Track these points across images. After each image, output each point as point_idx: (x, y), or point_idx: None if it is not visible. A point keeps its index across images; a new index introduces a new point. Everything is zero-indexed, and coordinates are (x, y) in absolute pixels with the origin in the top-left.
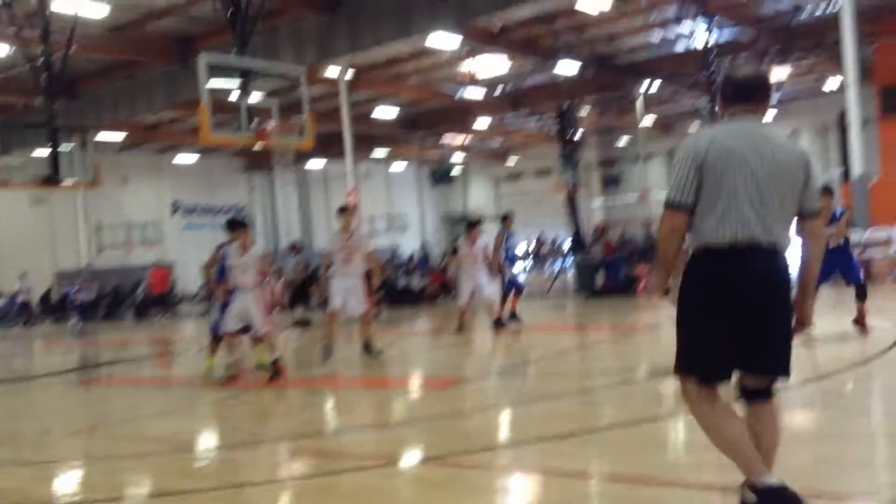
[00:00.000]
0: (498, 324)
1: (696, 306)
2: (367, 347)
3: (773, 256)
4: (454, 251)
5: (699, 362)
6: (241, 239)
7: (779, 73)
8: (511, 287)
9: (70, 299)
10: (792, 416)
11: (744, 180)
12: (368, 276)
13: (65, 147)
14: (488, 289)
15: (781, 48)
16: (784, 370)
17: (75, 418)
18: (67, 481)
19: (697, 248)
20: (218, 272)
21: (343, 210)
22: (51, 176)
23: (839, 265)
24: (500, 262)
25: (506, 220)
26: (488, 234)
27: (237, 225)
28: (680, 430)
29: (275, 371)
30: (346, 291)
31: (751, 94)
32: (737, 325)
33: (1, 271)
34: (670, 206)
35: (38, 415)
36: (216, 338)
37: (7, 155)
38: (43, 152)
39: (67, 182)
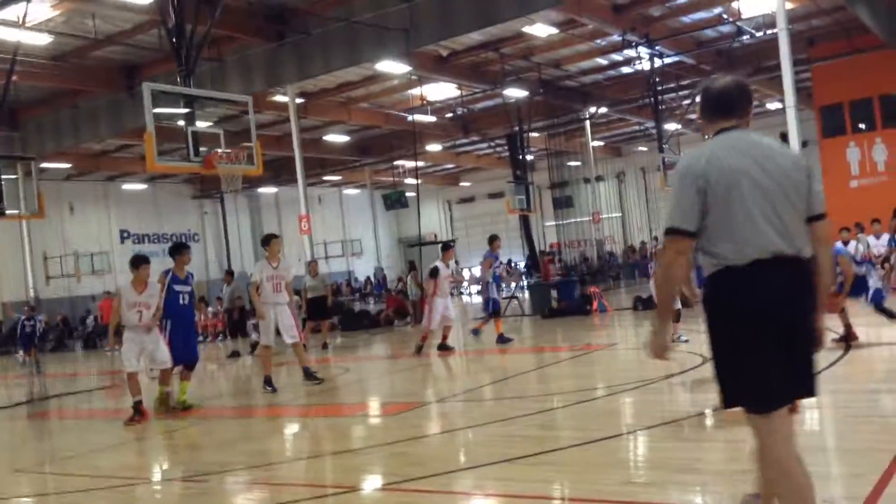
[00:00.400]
0: (444, 346)
1: (730, 329)
2: (308, 374)
3: (800, 265)
4: (411, 272)
5: (752, 389)
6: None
7: None
8: (497, 307)
9: (21, 329)
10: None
11: (752, 195)
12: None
13: (7, 176)
14: (452, 311)
15: (722, 72)
16: (815, 387)
17: (23, 453)
18: None
19: (717, 272)
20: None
21: (271, 238)
22: None
23: None
24: (488, 283)
25: (493, 241)
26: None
27: (181, 248)
28: (638, 448)
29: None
30: (279, 321)
31: (732, 105)
32: (777, 340)
33: None
34: (673, 232)
35: None
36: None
37: None
38: None
39: (11, 213)
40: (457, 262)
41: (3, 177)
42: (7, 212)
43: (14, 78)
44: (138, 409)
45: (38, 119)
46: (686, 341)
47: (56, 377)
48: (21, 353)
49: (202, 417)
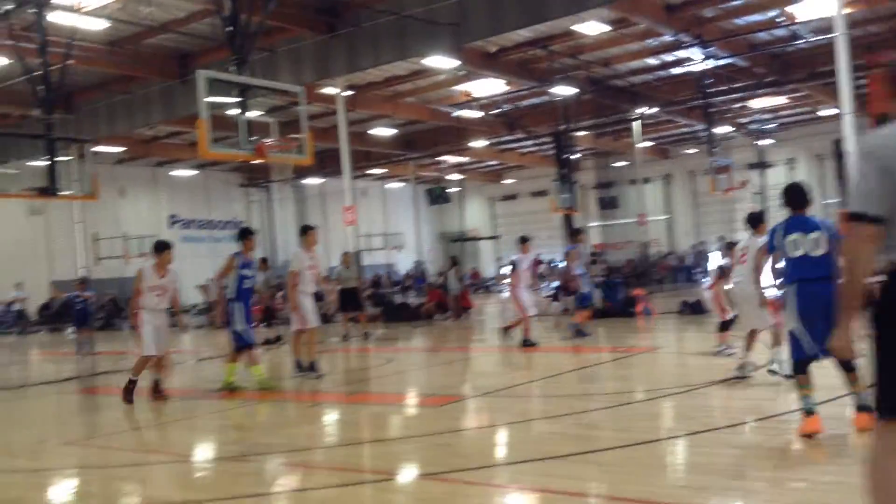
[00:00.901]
0: (527, 342)
1: None
2: (300, 366)
3: None
4: (453, 266)
5: None
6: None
7: (773, 101)
8: (586, 301)
9: (74, 306)
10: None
11: None
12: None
13: (62, 158)
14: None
15: (776, 77)
16: None
17: (72, 428)
18: (63, 490)
19: (893, 270)
20: (237, 281)
21: (309, 229)
22: (48, 187)
23: None
24: (575, 275)
25: (578, 234)
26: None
27: (248, 233)
28: (679, 452)
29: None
30: (311, 307)
31: None
32: None
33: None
34: (858, 218)
35: (34, 424)
36: (241, 347)
37: (4, 165)
38: (40, 163)
39: (64, 193)
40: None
41: (57, 158)
42: (61, 193)
43: (70, 62)
44: (131, 388)
45: (92, 103)
46: (730, 355)
47: (105, 355)
48: (73, 329)
49: (247, 400)
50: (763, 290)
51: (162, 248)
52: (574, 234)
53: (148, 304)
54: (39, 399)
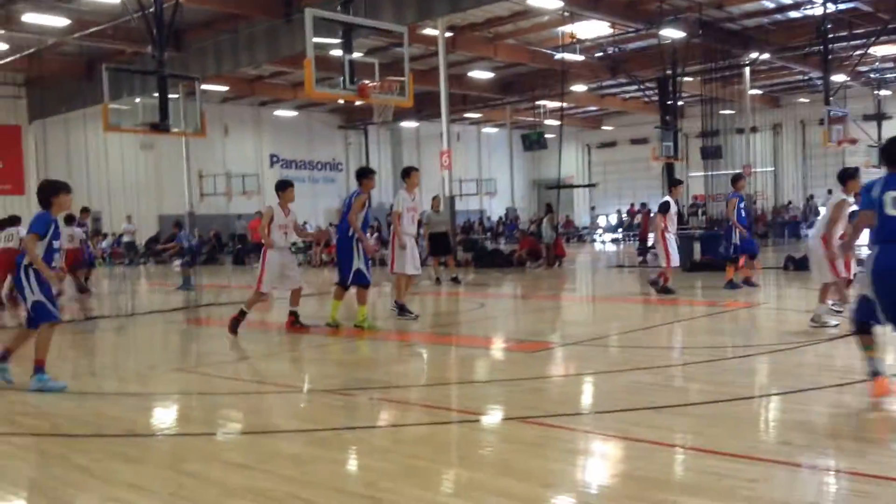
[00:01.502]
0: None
1: None
2: (403, 309)
3: None
4: (548, 214)
5: None
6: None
7: (893, 50)
8: (745, 250)
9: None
10: None
11: None
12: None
13: (173, 95)
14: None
15: None
16: None
17: (178, 356)
18: (169, 414)
19: None
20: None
21: (411, 171)
22: (159, 123)
23: None
24: (736, 224)
25: (738, 181)
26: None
27: (368, 172)
28: (770, 408)
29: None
30: (413, 251)
31: None
32: None
33: (110, 211)
34: None
35: (143, 351)
36: (359, 284)
37: (118, 100)
38: (152, 99)
39: (175, 130)
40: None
41: (168, 95)
42: (172, 128)
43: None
44: (240, 320)
45: (200, 41)
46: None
47: (209, 288)
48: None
49: (346, 337)
50: (831, 246)
51: (285, 186)
52: (734, 179)
53: (277, 242)
54: (148, 327)
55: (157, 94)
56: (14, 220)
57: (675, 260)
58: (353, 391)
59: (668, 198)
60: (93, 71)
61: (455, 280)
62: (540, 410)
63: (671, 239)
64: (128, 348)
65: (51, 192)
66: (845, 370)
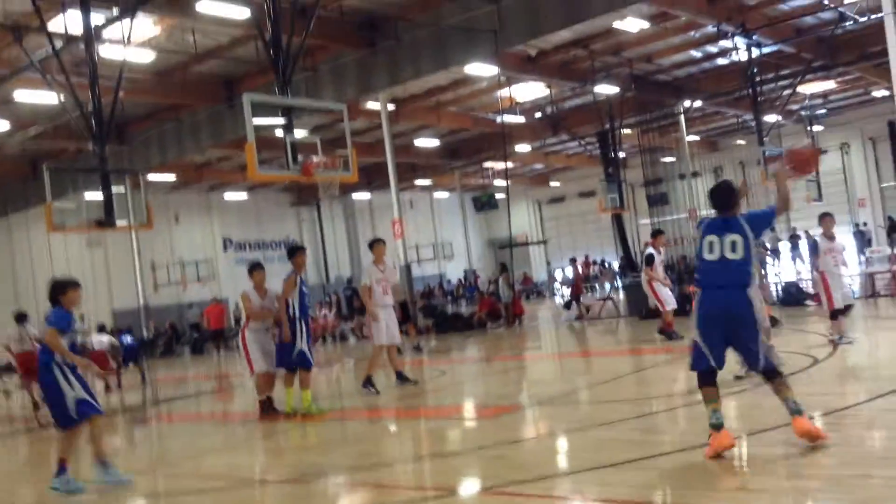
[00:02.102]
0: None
1: None
2: (402, 376)
3: None
4: (503, 273)
5: None
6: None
7: (823, 86)
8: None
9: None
10: None
11: None
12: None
13: (117, 189)
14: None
15: (825, 61)
16: None
17: (136, 456)
18: None
19: None
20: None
21: (376, 243)
22: (105, 218)
23: None
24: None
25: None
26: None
27: (297, 250)
28: (742, 454)
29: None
30: (388, 322)
31: None
32: None
33: None
34: None
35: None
36: (304, 367)
37: (61, 199)
38: (96, 195)
39: (121, 223)
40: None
41: (113, 189)
42: (118, 223)
43: (121, 94)
44: (266, 406)
45: (143, 133)
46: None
47: (165, 381)
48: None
49: (304, 421)
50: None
51: (255, 267)
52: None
53: (253, 325)
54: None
55: (101, 190)
56: (21, 318)
57: (671, 303)
58: (313, 477)
59: (651, 249)
60: (37, 170)
61: (417, 348)
62: (503, 479)
63: (659, 287)
64: (83, 452)
65: (58, 290)
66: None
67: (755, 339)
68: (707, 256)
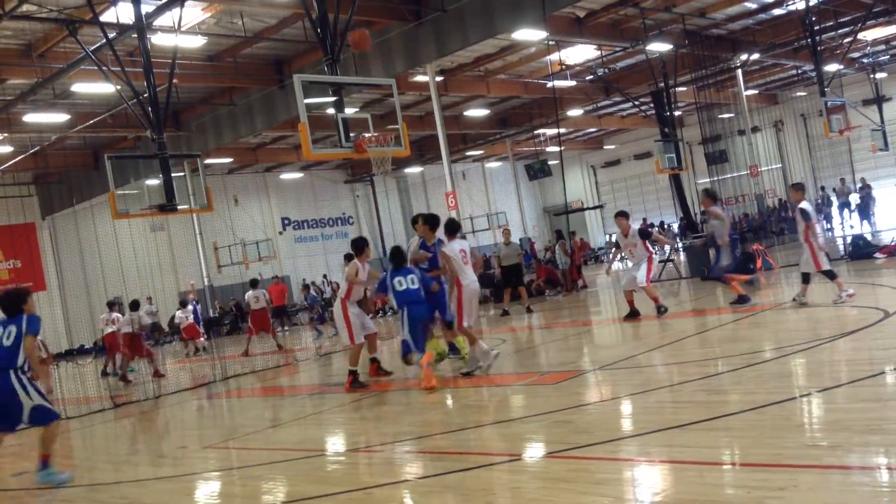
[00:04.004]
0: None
1: None
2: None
3: None
4: (559, 241)
5: None
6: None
7: (885, 31)
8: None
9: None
10: None
11: None
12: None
13: (177, 174)
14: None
15: (886, 5)
16: None
17: (209, 432)
18: (207, 493)
19: None
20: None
21: (364, 245)
22: (166, 204)
23: None
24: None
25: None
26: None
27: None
28: (812, 411)
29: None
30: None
31: None
32: None
33: (126, 296)
34: None
35: (174, 431)
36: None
37: (124, 186)
38: (157, 181)
39: (183, 207)
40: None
41: (172, 175)
42: (179, 207)
43: (175, 81)
44: (356, 377)
45: (199, 118)
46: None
47: (233, 359)
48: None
49: (369, 391)
50: None
51: (364, 244)
52: (798, 188)
53: (355, 296)
54: (178, 406)
55: (161, 176)
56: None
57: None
58: (381, 446)
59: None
60: (98, 160)
61: (528, 310)
62: (567, 443)
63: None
64: (158, 430)
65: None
66: (874, 361)
67: None
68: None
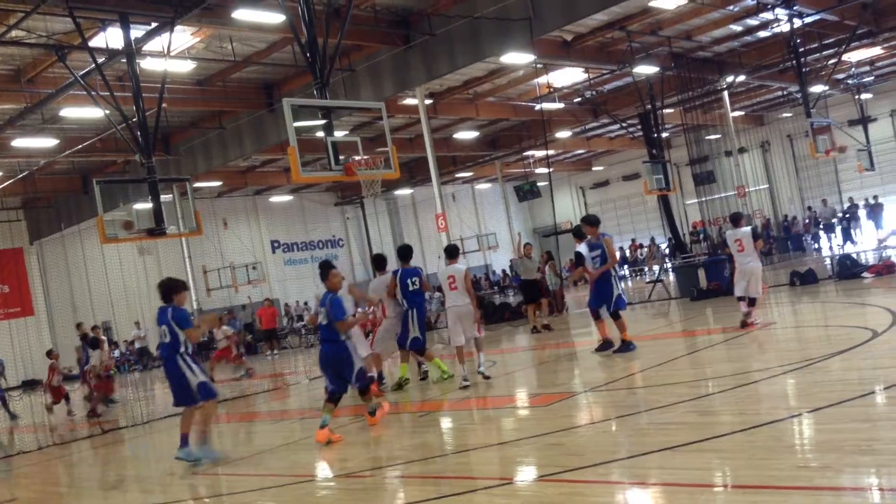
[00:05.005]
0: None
1: None
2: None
3: None
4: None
5: None
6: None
7: (869, 53)
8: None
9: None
10: None
11: None
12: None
13: (166, 198)
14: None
15: (869, 27)
16: None
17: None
18: None
19: None
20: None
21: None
22: (155, 227)
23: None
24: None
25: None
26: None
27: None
28: (802, 432)
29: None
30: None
31: None
32: None
33: (117, 320)
34: None
35: (162, 456)
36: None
37: (113, 210)
38: (146, 205)
39: (172, 231)
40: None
41: (161, 199)
42: (169, 230)
43: (164, 105)
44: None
45: (188, 141)
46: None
47: (222, 383)
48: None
49: (359, 415)
50: None
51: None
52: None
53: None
54: (165, 432)
55: (150, 200)
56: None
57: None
58: (370, 471)
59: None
60: (88, 184)
61: (546, 327)
62: (559, 466)
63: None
64: (147, 456)
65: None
66: (865, 381)
67: None
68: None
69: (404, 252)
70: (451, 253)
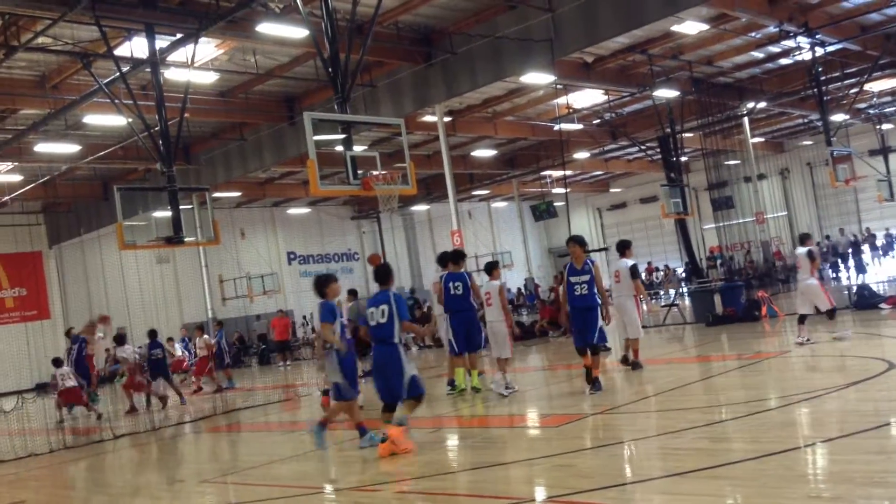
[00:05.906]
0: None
1: None
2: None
3: None
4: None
5: None
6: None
7: (891, 83)
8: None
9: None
10: None
11: None
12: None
13: (185, 206)
14: None
15: (892, 58)
16: None
17: (207, 466)
18: None
19: None
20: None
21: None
22: (174, 235)
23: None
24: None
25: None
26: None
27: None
28: (815, 461)
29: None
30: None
31: None
32: None
33: (133, 327)
34: None
35: (171, 464)
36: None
37: (132, 218)
38: (165, 213)
39: (190, 240)
40: None
41: (180, 207)
42: (186, 239)
43: (186, 115)
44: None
45: (209, 152)
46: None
47: (235, 392)
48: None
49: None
50: None
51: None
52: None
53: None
54: (175, 440)
55: (170, 208)
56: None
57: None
58: (380, 486)
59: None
60: (108, 191)
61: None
62: (569, 488)
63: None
64: (156, 464)
65: (324, 282)
66: (870, 413)
67: None
68: (370, 322)
69: (445, 257)
70: (490, 269)
